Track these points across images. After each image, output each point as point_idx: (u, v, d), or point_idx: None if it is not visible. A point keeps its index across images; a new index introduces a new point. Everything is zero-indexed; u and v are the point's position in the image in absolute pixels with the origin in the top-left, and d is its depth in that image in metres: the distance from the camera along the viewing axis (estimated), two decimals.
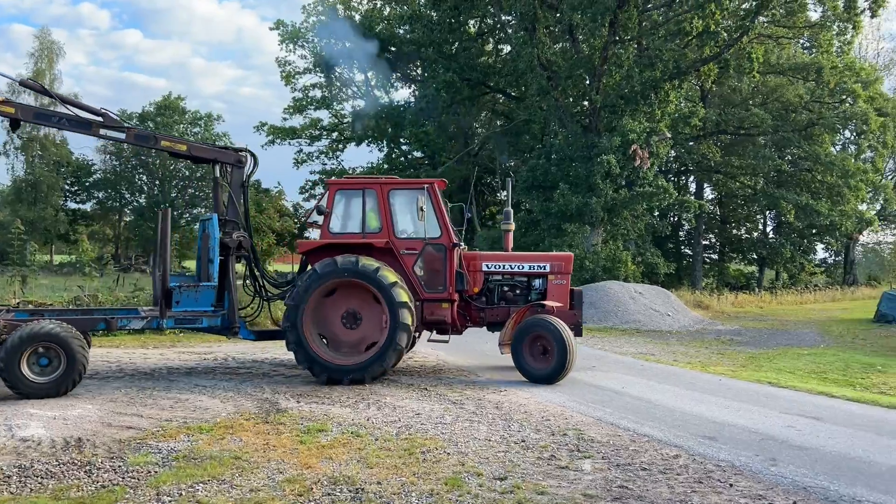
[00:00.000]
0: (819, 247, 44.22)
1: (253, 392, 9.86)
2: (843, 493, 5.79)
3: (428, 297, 11.13)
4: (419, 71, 37.12)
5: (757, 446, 7.31)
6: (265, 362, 12.72)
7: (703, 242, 42.41)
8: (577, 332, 11.16)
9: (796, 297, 35.08)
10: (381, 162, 45.15)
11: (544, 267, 11.63)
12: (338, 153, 45.13)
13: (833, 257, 48.66)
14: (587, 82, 27.69)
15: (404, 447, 7.16)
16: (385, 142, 41.89)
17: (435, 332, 11.59)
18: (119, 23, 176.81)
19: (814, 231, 38.71)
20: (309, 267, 10.99)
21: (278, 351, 12.85)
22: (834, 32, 31.68)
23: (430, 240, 11.04)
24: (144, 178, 59.73)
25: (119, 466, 6.39)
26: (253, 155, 11.26)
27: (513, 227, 12.82)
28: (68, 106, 10.45)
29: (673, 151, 34.00)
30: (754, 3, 25.81)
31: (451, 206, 12.39)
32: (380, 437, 7.56)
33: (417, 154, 41.82)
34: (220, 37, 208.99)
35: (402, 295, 10.42)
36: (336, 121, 44.84)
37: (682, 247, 45.73)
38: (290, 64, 43.11)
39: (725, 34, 27.32)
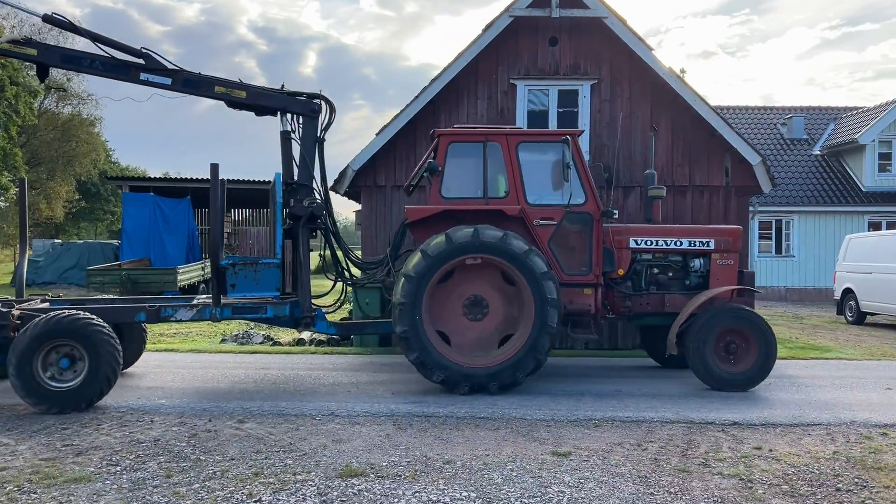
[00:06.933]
0: None
1: None
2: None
3: (567, 280, 8.89)
4: None
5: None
6: None
7: None
8: None
9: None
10: None
11: (707, 243, 9.43)
12: None
13: None
14: None
15: None
16: None
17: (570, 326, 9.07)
18: None
19: None
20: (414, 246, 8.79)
21: None
22: None
23: (572, 207, 8.83)
24: None
25: None
26: (329, 102, 9.19)
27: (664, 192, 10.01)
28: (102, 46, 8.20)
29: None
30: None
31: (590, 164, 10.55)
32: None
33: None
34: None
35: (543, 264, 8.28)
36: None
37: None
38: None
39: None
